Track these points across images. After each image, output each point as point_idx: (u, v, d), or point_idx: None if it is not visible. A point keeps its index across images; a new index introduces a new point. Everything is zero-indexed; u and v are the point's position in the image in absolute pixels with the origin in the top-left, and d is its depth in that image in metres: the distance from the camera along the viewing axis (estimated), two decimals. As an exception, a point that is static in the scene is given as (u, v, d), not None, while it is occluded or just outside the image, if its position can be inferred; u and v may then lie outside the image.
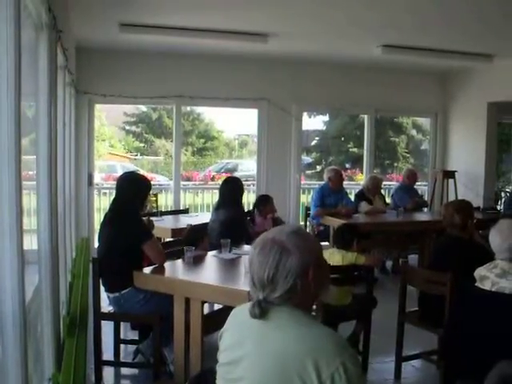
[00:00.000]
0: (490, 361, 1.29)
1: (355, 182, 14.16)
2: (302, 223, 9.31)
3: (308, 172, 21.94)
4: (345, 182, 8.84)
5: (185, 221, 7.06)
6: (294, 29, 7.23)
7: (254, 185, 9.93)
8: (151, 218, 5.34)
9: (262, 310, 1.91)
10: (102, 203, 9.47)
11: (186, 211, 8.35)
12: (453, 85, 10.46)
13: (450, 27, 6.97)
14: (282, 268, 1.91)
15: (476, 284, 3.86)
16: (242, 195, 6.24)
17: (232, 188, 6.13)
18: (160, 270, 4.42)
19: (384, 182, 12.67)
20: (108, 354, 4.87)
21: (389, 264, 8.43)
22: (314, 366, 1.78)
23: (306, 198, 11.13)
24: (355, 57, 8.99)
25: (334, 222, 7.24)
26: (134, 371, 4.93)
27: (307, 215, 8.48)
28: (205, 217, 6.97)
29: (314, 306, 4.25)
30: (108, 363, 4.82)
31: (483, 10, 6.09)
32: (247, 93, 9.18)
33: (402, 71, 9.93)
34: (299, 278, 1.91)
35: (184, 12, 6.45)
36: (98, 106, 10.07)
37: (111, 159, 23.20)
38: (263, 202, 7.01)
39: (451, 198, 9.61)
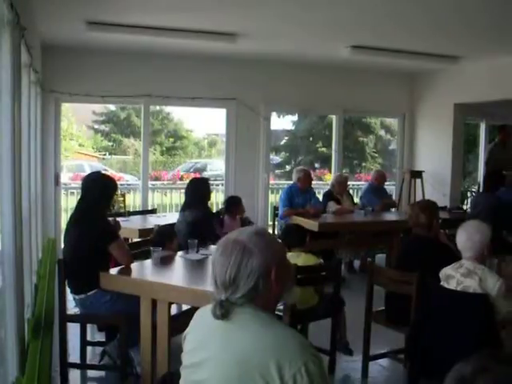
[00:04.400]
0: (453, 360, 1.29)
1: (324, 182, 14.20)
2: (270, 223, 9.32)
3: (277, 172, 22.00)
4: (313, 182, 8.86)
5: (152, 221, 7.03)
6: (263, 29, 7.23)
7: (222, 184, 9.90)
8: (117, 219, 5.29)
9: (224, 311, 1.91)
10: (70, 203, 9.36)
11: (153, 211, 8.30)
12: (420, 86, 10.56)
13: (418, 29, 7.03)
14: (243, 268, 1.92)
15: (441, 283, 3.91)
16: (208, 195, 6.22)
17: (199, 188, 6.11)
18: (127, 271, 4.38)
19: (352, 182, 12.81)
20: (74, 357, 4.81)
21: (356, 263, 8.48)
22: (277, 367, 1.78)
23: (275, 198, 11.14)
24: (324, 57, 9.03)
25: (303, 222, 7.26)
26: (101, 373, 4.87)
27: (275, 215, 8.49)
28: (173, 217, 6.92)
29: (282, 307, 4.27)
30: (74, 365, 4.75)
31: (450, 12, 6.15)
32: (216, 92, 9.15)
33: (370, 72, 9.99)
34: (261, 279, 1.92)
35: (152, 11, 6.40)
36: (65, 105, 9.94)
37: (79, 158, 22.98)
38: (233, 203, 7.00)
39: (418, 197, 9.70)
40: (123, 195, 8.94)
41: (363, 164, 22.54)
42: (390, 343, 5.09)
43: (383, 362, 5.06)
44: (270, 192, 10.39)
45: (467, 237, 3.86)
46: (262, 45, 8.18)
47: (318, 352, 4.52)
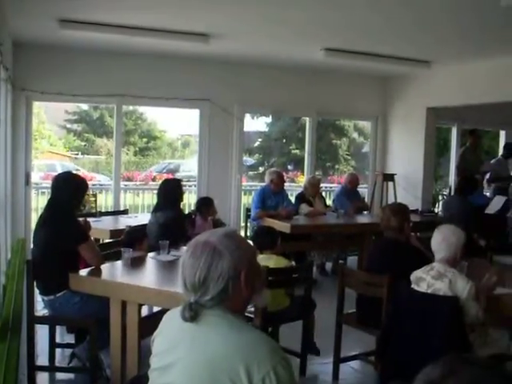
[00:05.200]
0: (423, 362, 1.29)
1: (297, 184, 14.24)
2: (242, 225, 9.31)
3: (250, 173, 22.00)
4: (286, 184, 8.88)
5: (124, 222, 6.98)
6: (236, 30, 7.22)
7: (195, 185, 9.86)
8: (89, 219, 5.23)
9: (193, 313, 1.90)
10: (41, 203, 9.25)
11: (125, 212, 8.24)
12: (393, 89, 10.64)
13: (391, 33, 7.10)
14: (213, 271, 1.91)
15: (412, 286, 3.94)
16: (181, 197, 6.19)
17: (171, 189, 6.06)
18: (96, 272, 4.33)
19: (325, 185, 12.87)
20: (42, 359, 4.75)
21: (328, 266, 8.50)
22: (245, 370, 1.77)
23: (248, 200, 11.12)
24: (298, 59, 9.04)
25: (275, 224, 7.26)
26: (70, 376, 4.81)
27: (248, 217, 8.49)
28: (145, 218, 6.86)
29: (253, 309, 4.25)
30: (42, 368, 4.68)
31: (423, 17, 6.22)
32: (189, 93, 9.11)
33: (344, 75, 10.04)
34: (231, 281, 1.92)
35: (126, 10, 6.35)
36: (37, 104, 9.82)
37: (51, 158, 22.74)
38: (205, 204, 6.98)
39: (391, 200, 9.78)
40: (95, 195, 8.86)
41: (336, 166, 22.65)
42: (360, 345, 5.10)
43: (354, 364, 5.08)
44: (242, 193, 10.38)
45: (443, 238, 3.90)
46: (235, 46, 8.16)
47: (289, 354, 4.52)
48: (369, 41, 7.57)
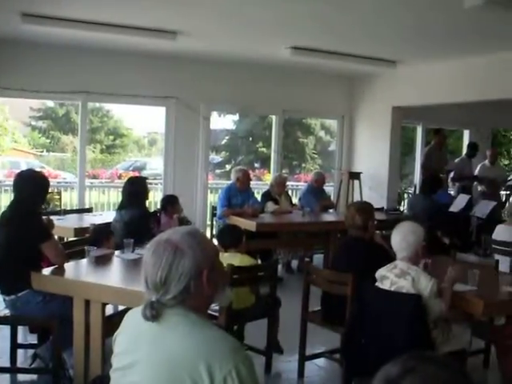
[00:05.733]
0: (387, 359, 1.30)
1: (263, 182, 14.24)
2: (208, 223, 9.29)
3: (218, 171, 21.96)
4: (253, 182, 8.88)
5: (89, 220, 6.90)
6: (204, 28, 7.19)
7: (161, 183, 9.81)
8: (53, 217, 5.16)
9: (154, 312, 1.88)
10: (4, 201, 9.12)
11: (89, 210, 8.15)
12: (359, 88, 10.71)
13: (357, 32, 7.14)
14: (174, 269, 1.89)
15: (376, 284, 3.97)
16: (146, 194, 6.15)
17: (136, 187, 6.03)
18: (60, 271, 4.27)
19: (292, 183, 12.90)
20: (4, 360, 4.67)
21: (295, 263, 8.52)
22: (207, 369, 1.76)
23: (214, 198, 11.10)
24: (264, 57, 9.04)
25: (240, 222, 7.26)
26: (32, 377, 4.71)
27: (214, 215, 8.46)
28: (110, 216, 6.80)
29: (217, 307, 4.24)
30: (3, 370, 4.61)
31: (388, 17, 6.27)
32: (155, 90, 9.05)
33: (310, 73, 10.07)
34: (193, 280, 1.90)
35: (91, 6, 6.27)
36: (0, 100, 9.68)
37: (15, 155, 22.41)
38: (170, 202, 6.94)
39: (356, 198, 9.85)
40: (59, 193, 8.74)
41: (303, 165, 22.72)
42: (326, 343, 5.13)
43: (319, 361, 5.10)
44: (209, 191, 10.37)
45: (402, 238, 3.93)
46: (202, 43, 8.13)
47: (254, 352, 4.52)
48: (335, 40, 7.61)
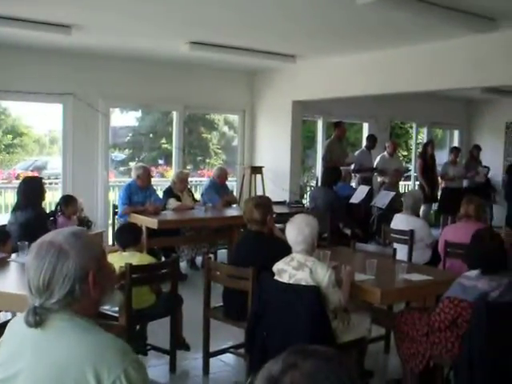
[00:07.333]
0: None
1: (166, 179, 14.09)
2: (110, 222, 9.10)
3: (121, 169, 21.57)
4: (156, 179, 8.77)
5: (-18, 222, 6.59)
6: (100, 22, 6.98)
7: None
8: None
9: (38, 318, 1.78)
10: None
11: (-17, 212, 7.82)
12: (260, 83, 10.77)
13: (256, 27, 7.14)
14: (58, 272, 1.80)
15: (275, 277, 3.99)
16: (42, 195, 5.97)
17: (31, 188, 5.84)
18: None
19: (196, 178, 12.84)
20: None
21: (199, 260, 8.48)
22: (95, 375, 1.69)
23: (117, 196, 10.89)
24: (164, 53, 8.91)
25: (142, 220, 7.17)
26: None
27: (115, 213, 8.30)
28: (6, 218, 6.55)
29: (117, 308, 4.15)
30: None
31: (287, 11, 6.30)
32: (51, 87, 8.74)
33: (211, 68, 10.03)
34: (78, 283, 1.82)
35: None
36: None
37: None
38: (65, 202, 6.75)
39: (259, 192, 9.90)
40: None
41: (207, 160, 22.66)
42: (231, 338, 5.15)
43: (224, 357, 5.09)
44: (111, 190, 10.16)
45: (298, 232, 3.97)
46: (99, 38, 7.91)
47: (158, 351, 4.46)
48: (234, 35, 7.59)
